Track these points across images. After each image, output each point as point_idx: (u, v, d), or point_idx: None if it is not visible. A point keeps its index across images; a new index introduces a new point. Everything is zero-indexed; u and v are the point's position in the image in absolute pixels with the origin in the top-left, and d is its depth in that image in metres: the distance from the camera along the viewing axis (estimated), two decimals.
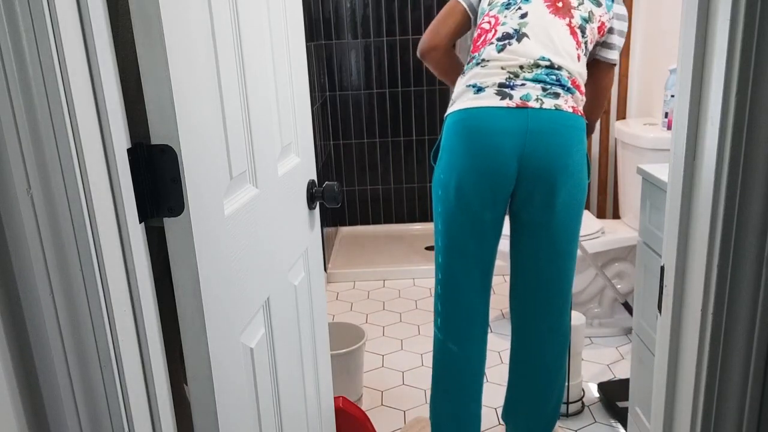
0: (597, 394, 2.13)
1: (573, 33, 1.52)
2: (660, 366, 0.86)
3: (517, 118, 1.45)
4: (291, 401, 1.13)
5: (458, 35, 1.68)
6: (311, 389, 1.26)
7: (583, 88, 1.54)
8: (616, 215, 2.96)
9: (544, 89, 1.47)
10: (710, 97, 0.70)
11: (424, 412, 2.08)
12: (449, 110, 1.56)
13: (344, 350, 1.97)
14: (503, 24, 1.53)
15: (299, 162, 1.18)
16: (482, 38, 1.55)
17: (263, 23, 0.98)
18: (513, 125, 1.45)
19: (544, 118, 1.46)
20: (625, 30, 1.63)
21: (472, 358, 1.65)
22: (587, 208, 3.02)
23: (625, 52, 2.80)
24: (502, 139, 1.46)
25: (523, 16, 1.52)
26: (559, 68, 1.49)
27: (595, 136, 2.95)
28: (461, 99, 1.53)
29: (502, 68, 1.49)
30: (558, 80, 1.49)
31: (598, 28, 1.56)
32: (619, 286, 2.45)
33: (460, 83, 1.56)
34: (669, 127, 2.31)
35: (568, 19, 1.52)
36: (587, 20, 1.53)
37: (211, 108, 0.79)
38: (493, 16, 1.56)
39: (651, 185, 1.57)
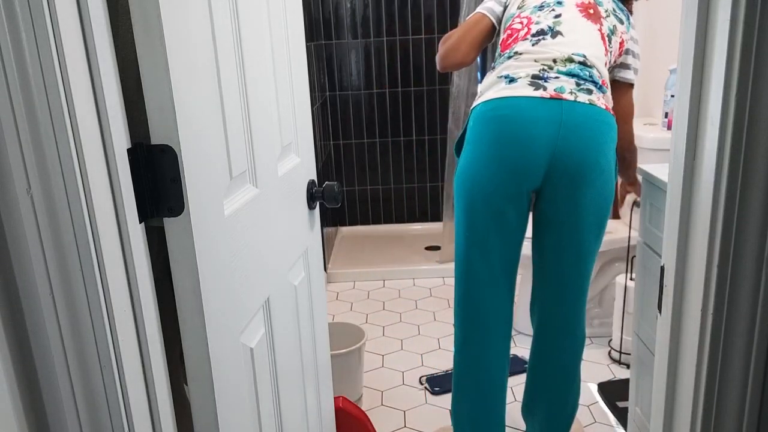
0: (597, 394, 2.13)
1: (603, 39, 1.53)
2: (660, 366, 0.86)
3: (552, 109, 1.43)
4: (291, 401, 1.13)
5: (481, 49, 1.68)
6: (311, 389, 1.26)
7: (610, 92, 1.54)
8: (616, 215, 2.96)
9: (577, 84, 1.45)
10: (710, 97, 0.70)
11: (424, 412, 2.08)
12: (477, 101, 1.54)
13: (344, 350, 1.97)
14: (537, 23, 1.53)
15: (299, 162, 1.17)
16: (514, 36, 1.55)
17: (263, 23, 0.98)
18: (547, 115, 1.43)
19: (578, 111, 1.43)
20: (639, 54, 1.64)
21: (493, 361, 1.60)
22: None
23: None
24: (535, 129, 1.43)
25: (557, 16, 1.53)
26: (592, 66, 1.49)
27: None
28: (492, 89, 1.50)
29: (536, 60, 1.48)
30: (591, 77, 1.47)
31: (620, 44, 1.57)
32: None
33: (490, 76, 1.55)
34: (669, 127, 2.30)
35: (599, 26, 1.53)
36: (612, 32, 1.55)
37: (211, 108, 0.79)
38: (526, 17, 1.56)
39: (651, 185, 1.57)
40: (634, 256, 2.23)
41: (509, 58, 1.52)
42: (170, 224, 0.72)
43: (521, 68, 1.49)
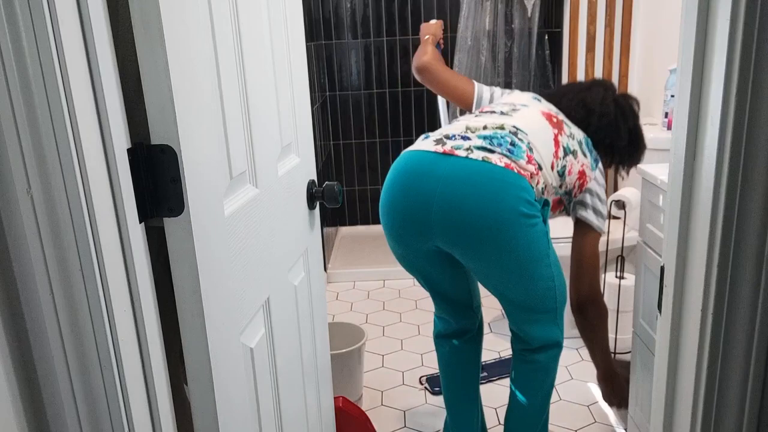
0: (597, 394, 2.13)
1: (556, 143, 1.47)
2: (660, 366, 0.86)
3: (437, 164, 1.39)
4: (291, 401, 1.13)
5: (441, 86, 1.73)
6: (311, 389, 1.26)
7: (539, 174, 1.42)
8: (616, 215, 2.96)
9: (482, 146, 1.40)
10: (710, 97, 0.70)
11: (424, 412, 2.08)
12: None
13: (344, 350, 1.97)
14: (492, 108, 1.56)
15: (299, 162, 1.17)
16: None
17: (263, 23, 0.98)
18: (431, 169, 1.39)
19: (463, 167, 1.37)
20: (603, 200, 1.55)
21: (453, 360, 1.69)
22: None
23: (625, 52, 2.80)
24: (416, 182, 1.40)
25: (515, 110, 1.53)
26: (522, 140, 1.43)
27: None
28: (413, 144, 1.53)
29: (467, 127, 1.47)
30: (511, 143, 1.41)
31: (579, 173, 1.51)
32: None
33: None
34: (669, 127, 2.31)
35: (557, 131, 1.49)
36: (570, 151, 1.50)
37: (210, 108, 0.79)
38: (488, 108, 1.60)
39: (651, 185, 1.57)
40: (621, 256, 2.23)
41: (448, 123, 1.56)
42: (170, 224, 0.72)
43: (447, 130, 1.48)
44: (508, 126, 1.46)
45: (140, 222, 0.68)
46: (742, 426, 0.75)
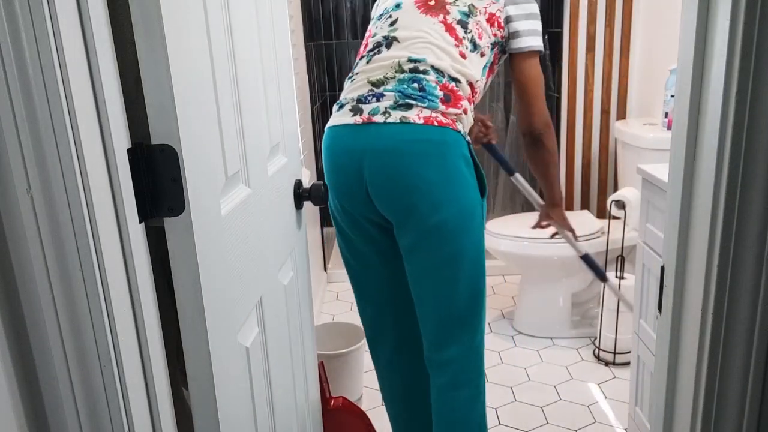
0: (597, 394, 2.13)
1: (449, 29, 1.38)
2: (660, 366, 0.86)
3: (359, 136, 1.34)
4: (282, 398, 1.14)
5: None
6: (300, 387, 1.27)
7: (462, 93, 1.37)
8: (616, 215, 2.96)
9: (396, 101, 1.33)
10: (710, 97, 0.70)
11: None
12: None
13: (344, 350, 1.97)
14: (374, 35, 1.45)
15: (286, 162, 1.18)
16: (359, 56, 1.48)
17: (252, 25, 0.99)
18: (353, 144, 1.35)
19: (384, 135, 1.31)
20: (532, 11, 1.42)
21: (385, 369, 1.61)
22: (587, 208, 3.02)
23: (625, 52, 2.80)
24: (344, 160, 1.37)
25: (394, 23, 1.42)
26: (425, 72, 1.35)
27: (595, 135, 2.95)
28: (332, 116, 1.45)
29: (368, 81, 1.38)
30: (421, 88, 1.33)
31: (488, 20, 1.40)
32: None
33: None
34: (669, 127, 2.31)
35: (442, 16, 1.39)
36: (468, 14, 1.39)
37: (208, 107, 0.79)
38: (369, 30, 1.49)
39: (651, 185, 1.57)
40: (621, 256, 2.23)
41: (350, 80, 1.43)
42: (170, 224, 0.72)
43: (353, 91, 1.40)
44: (403, 62, 1.36)
45: (140, 222, 0.68)
46: (742, 426, 0.75)
